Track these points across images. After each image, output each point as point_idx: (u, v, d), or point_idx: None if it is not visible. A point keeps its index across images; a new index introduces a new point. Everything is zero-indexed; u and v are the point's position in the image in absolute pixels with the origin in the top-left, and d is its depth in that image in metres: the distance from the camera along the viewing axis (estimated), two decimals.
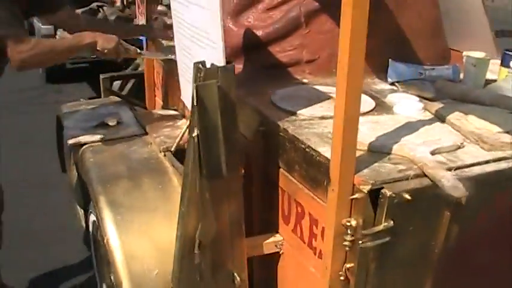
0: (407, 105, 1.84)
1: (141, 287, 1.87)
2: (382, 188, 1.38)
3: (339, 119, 1.38)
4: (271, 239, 1.82)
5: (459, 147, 1.58)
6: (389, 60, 2.11)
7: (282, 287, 1.86)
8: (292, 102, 1.86)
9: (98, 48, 2.14)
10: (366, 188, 1.39)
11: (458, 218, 1.44)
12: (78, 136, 2.31)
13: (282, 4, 2.14)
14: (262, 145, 1.82)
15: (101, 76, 2.94)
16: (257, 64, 2.16)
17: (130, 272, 1.88)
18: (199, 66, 1.54)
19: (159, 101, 2.94)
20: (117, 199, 2.00)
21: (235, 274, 1.72)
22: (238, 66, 2.21)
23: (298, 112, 1.80)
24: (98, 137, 2.29)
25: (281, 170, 1.74)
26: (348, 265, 1.47)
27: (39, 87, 5.96)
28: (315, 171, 1.56)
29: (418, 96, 1.95)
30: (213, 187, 1.59)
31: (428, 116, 1.82)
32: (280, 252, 1.82)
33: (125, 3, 5.31)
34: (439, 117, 1.79)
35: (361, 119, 1.73)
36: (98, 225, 2.04)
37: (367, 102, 1.89)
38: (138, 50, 2.30)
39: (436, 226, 1.45)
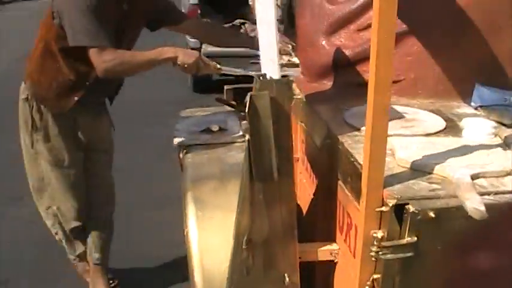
0: (476, 129, 1.83)
1: (210, 279, 2.06)
2: (407, 203, 1.43)
3: (368, 136, 1.46)
4: (327, 247, 1.91)
5: (508, 174, 1.56)
6: (476, 84, 2.09)
7: None
8: (361, 119, 1.93)
9: (178, 62, 2.37)
10: (392, 202, 1.45)
11: (483, 240, 1.44)
12: (185, 139, 2.58)
13: (370, 26, 2.22)
14: (326, 157, 1.93)
15: (225, 87, 3.21)
16: (345, 82, 2.26)
17: (202, 264, 2.08)
18: (257, 77, 1.71)
19: None
20: (203, 196, 2.22)
21: (286, 275, 1.84)
22: (329, 83, 2.34)
23: (362, 128, 1.87)
24: (200, 140, 2.54)
25: (339, 181, 1.83)
26: (375, 276, 1.54)
27: (186, 97, 6.57)
28: (359, 183, 1.64)
29: (497, 121, 1.92)
30: (264, 189, 1.74)
31: (496, 141, 1.79)
32: (335, 261, 1.90)
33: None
34: (507, 143, 1.76)
35: (422, 139, 1.79)
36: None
37: (437, 124, 1.91)
38: (218, 66, 2.50)
39: (460, 246, 1.45)
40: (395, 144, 1.73)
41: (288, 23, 2.76)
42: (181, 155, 2.56)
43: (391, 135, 1.80)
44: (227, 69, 2.54)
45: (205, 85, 6.53)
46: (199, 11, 6.34)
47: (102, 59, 2.38)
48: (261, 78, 1.72)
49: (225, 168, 2.38)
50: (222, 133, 2.62)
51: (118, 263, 3.46)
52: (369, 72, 1.44)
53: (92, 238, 3.09)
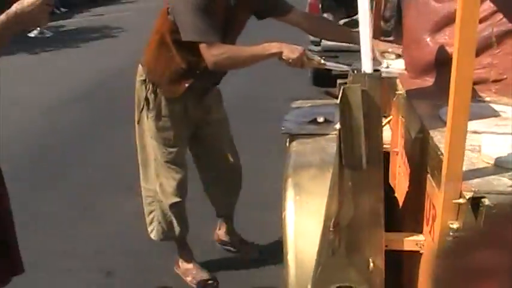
0: None
1: (302, 259, 2.22)
2: (484, 197, 1.50)
3: (448, 130, 1.54)
4: (413, 238, 1.98)
5: None
6: None
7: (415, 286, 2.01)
8: None
9: (283, 57, 2.52)
10: (468, 195, 1.52)
11: None
12: (291, 128, 2.75)
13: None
14: (418, 151, 2.01)
15: (338, 81, 3.33)
16: (446, 79, 2.30)
17: (296, 246, 2.24)
18: (351, 71, 1.83)
19: None
20: (302, 182, 2.37)
21: (371, 260, 1.95)
22: (431, 80, 2.39)
23: None
24: (305, 130, 2.70)
25: (428, 174, 1.91)
26: None
27: (305, 91, 6.73)
28: None
29: None
30: (353, 177, 1.86)
31: None
32: (420, 252, 1.98)
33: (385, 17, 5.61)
34: None
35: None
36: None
37: None
38: (322, 61, 2.61)
39: None
40: (483, 140, 1.78)
41: (397, 21, 2.83)
42: (287, 144, 2.73)
43: (482, 132, 1.85)
44: (331, 65, 2.65)
45: (325, 78, 6.65)
46: (320, 5, 6.47)
47: (211, 53, 2.62)
48: (355, 72, 1.84)
49: (325, 158, 2.51)
50: (327, 124, 2.75)
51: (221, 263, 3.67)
52: (452, 70, 1.52)
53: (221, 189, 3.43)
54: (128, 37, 12.62)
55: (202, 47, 2.66)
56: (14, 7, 2.02)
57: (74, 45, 11.58)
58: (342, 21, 6.14)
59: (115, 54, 10.64)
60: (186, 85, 2.95)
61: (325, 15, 6.44)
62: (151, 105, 3.02)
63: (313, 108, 2.98)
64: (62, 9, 16.30)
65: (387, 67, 2.61)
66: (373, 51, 2.66)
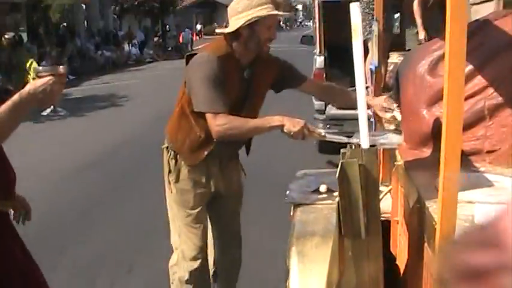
0: None
1: None
2: None
3: (440, 201, 1.64)
4: None
5: None
6: None
7: None
8: None
9: (284, 130, 2.65)
10: None
11: None
12: (295, 197, 2.85)
13: (468, 98, 2.37)
14: (416, 220, 2.10)
15: (342, 150, 3.45)
16: None
17: None
18: (349, 147, 1.95)
19: None
20: (305, 251, 2.46)
21: None
22: (428, 151, 2.50)
23: None
24: (308, 200, 2.79)
25: (425, 243, 1.99)
26: None
27: (311, 159, 6.81)
28: None
29: None
30: (353, 246, 1.95)
31: None
32: None
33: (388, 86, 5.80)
34: None
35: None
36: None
37: None
38: (322, 133, 2.74)
39: None
40: (476, 210, 1.86)
41: (396, 93, 2.97)
42: (291, 212, 2.82)
43: (476, 202, 1.94)
44: (331, 137, 2.77)
45: (331, 146, 6.77)
46: (324, 74, 6.68)
47: (216, 123, 2.76)
48: (353, 147, 1.96)
49: (328, 227, 2.60)
50: (330, 194, 2.85)
51: None
52: (441, 145, 1.63)
53: (220, 281, 3.41)
54: (134, 106, 12.81)
55: (208, 116, 2.79)
56: (27, 87, 2.10)
57: (79, 114, 11.43)
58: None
59: (120, 125, 10.72)
60: (205, 153, 3.05)
61: None
62: (172, 169, 3.14)
63: (317, 178, 3.09)
64: (70, 77, 16.61)
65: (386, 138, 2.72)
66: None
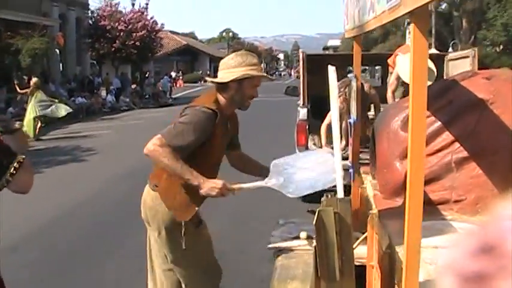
0: None
1: None
2: None
3: (405, 247, 1.90)
4: None
5: None
6: None
7: None
8: (423, 233, 2.35)
9: (201, 192, 2.88)
10: None
11: None
12: (277, 243, 3.09)
13: (437, 151, 2.67)
14: (387, 264, 2.35)
15: (322, 199, 3.72)
16: None
17: None
18: (325, 196, 2.21)
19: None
20: None
21: None
22: (401, 201, 2.77)
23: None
24: (289, 246, 3.04)
25: (396, 286, 2.23)
26: None
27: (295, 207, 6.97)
28: None
29: None
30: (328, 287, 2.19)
31: None
32: None
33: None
34: None
35: None
36: None
37: None
38: (243, 186, 2.97)
39: None
40: (440, 255, 2.12)
41: (371, 148, 3.26)
42: (273, 258, 3.06)
43: (440, 247, 2.21)
44: (248, 186, 3.01)
45: (313, 195, 7.04)
46: (307, 126, 7.01)
47: (154, 143, 2.89)
48: (329, 196, 2.22)
49: (307, 271, 2.84)
50: (310, 241, 3.09)
51: None
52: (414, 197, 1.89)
53: None
54: (100, 161, 11.82)
55: (156, 137, 2.92)
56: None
57: (35, 170, 9.56)
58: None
59: (80, 183, 9.59)
60: (196, 209, 3.16)
61: (311, 137, 6.99)
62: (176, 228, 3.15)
63: (297, 225, 3.34)
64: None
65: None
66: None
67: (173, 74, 44.26)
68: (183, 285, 3.21)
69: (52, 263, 5.54)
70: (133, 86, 29.16)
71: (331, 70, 2.21)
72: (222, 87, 3.07)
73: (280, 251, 3.07)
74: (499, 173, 2.56)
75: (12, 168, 2.20)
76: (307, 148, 6.88)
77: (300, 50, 7.44)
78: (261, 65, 3.13)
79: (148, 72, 34.36)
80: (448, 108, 2.77)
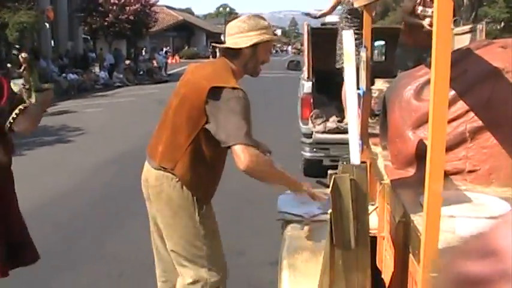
0: None
1: None
2: None
3: (425, 214, 1.91)
4: None
5: None
6: None
7: None
8: None
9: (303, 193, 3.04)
10: None
11: None
12: (285, 214, 3.11)
13: (452, 121, 2.67)
14: (402, 234, 2.36)
15: (329, 172, 3.74)
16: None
17: None
18: (341, 162, 2.22)
19: None
20: (296, 264, 2.71)
21: None
22: (413, 171, 2.79)
23: None
24: (298, 216, 3.06)
25: (410, 254, 2.25)
26: None
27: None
28: None
29: None
30: (343, 256, 2.21)
31: None
32: None
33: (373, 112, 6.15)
34: None
35: (484, 220, 2.19)
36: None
37: (503, 208, 2.29)
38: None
39: None
40: (457, 223, 2.14)
41: (382, 117, 3.27)
42: (282, 229, 3.08)
43: (458, 216, 2.22)
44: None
45: (315, 169, 7.10)
46: (311, 100, 7.03)
47: (248, 154, 2.73)
48: (344, 163, 2.23)
49: (317, 243, 2.86)
50: (319, 211, 3.11)
51: None
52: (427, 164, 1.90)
53: None
54: (87, 142, 11.22)
55: (238, 148, 2.74)
56: None
57: (17, 153, 8.58)
58: (331, 119, 6.73)
59: (65, 168, 9.03)
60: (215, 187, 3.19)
61: (316, 110, 7.00)
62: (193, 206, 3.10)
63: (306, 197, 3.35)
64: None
65: None
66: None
67: (164, 50, 43.81)
68: (189, 266, 3.12)
69: None
70: (127, 62, 29.02)
71: (348, 34, 2.21)
72: (234, 54, 2.97)
73: (288, 222, 3.08)
74: None
75: (14, 114, 2.96)
76: (311, 122, 6.90)
77: (305, 23, 7.41)
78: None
79: (144, 48, 34.18)
80: (462, 77, 2.76)
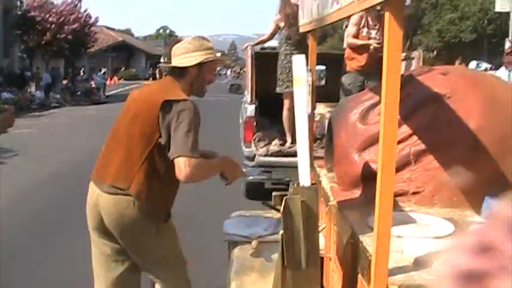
0: None
1: None
2: None
3: (376, 235, 1.95)
4: None
5: None
6: (486, 197, 2.55)
7: None
8: None
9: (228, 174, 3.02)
10: None
11: None
12: (233, 236, 3.11)
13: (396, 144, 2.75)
14: (350, 254, 2.40)
15: (273, 194, 3.77)
16: (371, 191, 2.76)
17: None
18: (291, 184, 2.25)
19: None
20: (244, 285, 2.72)
21: None
22: (358, 192, 2.84)
23: None
24: (245, 237, 3.06)
25: (359, 274, 2.29)
26: None
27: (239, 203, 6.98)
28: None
29: None
30: (294, 276, 2.23)
31: None
32: None
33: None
34: None
35: (430, 240, 2.26)
36: None
37: (446, 229, 2.37)
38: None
39: None
40: (405, 243, 2.20)
41: (328, 139, 3.34)
42: (229, 250, 3.08)
43: (405, 237, 2.28)
44: None
45: (257, 192, 7.13)
46: (255, 123, 7.08)
47: (189, 166, 2.79)
48: (295, 185, 2.26)
49: (264, 263, 2.87)
50: (266, 231, 3.13)
51: None
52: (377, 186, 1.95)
53: None
54: (17, 165, 10.51)
55: (181, 160, 2.80)
56: None
57: None
58: (274, 142, 6.80)
59: None
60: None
61: (259, 133, 7.04)
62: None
63: (252, 218, 3.37)
64: None
65: None
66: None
67: (102, 71, 43.04)
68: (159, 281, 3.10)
69: None
70: (64, 82, 28.48)
71: (300, 59, 2.25)
72: (180, 73, 3.01)
73: (235, 243, 3.09)
74: (456, 167, 2.66)
75: None
76: (253, 145, 6.94)
77: (249, 47, 7.47)
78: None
79: (83, 68, 33.66)
80: (406, 101, 2.84)
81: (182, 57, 3.00)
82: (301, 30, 4.01)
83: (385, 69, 1.83)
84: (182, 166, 2.79)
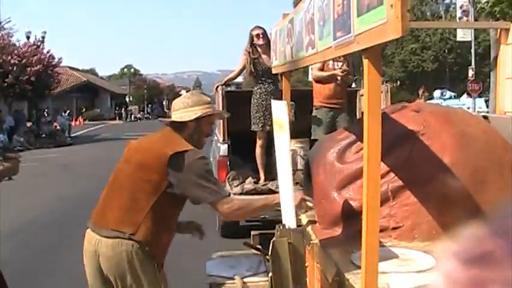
0: None
1: None
2: None
3: (363, 272, 2.02)
4: None
5: None
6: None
7: None
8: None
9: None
10: None
11: None
12: (215, 278, 3.15)
13: None
14: None
15: (252, 233, 3.82)
16: (353, 229, 2.84)
17: None
18: (278, 227, 2.31)
19: None
20: None
21: None
22: (340, 230, 2.92)
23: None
24: (226, 280, 3.10)
25: None
26: None
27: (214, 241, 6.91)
28: None
29: None
30: None
31: None
32: None
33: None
34: None
35: (414, 274, 2.33)
36: None
37: (428, 263, 2.45)
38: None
39: None
40: (390, 279, 2.27)
41: (306, 177, 3.42)
42: None
43: (389, 272, 2.36)
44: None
45: (233, 230, 7.14)
46: (228, 162, 7.12)
47: (225, 207, 2.99)
48: (281, 227, 2.33)
49: None
50: (249, 273, 3.17)
51: None
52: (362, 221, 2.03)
53: None
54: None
55: (216, 203, 2.99)
56: None
57: None
58: (248, 180, 6.85)
59: None
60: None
61: (232, 172, 7.08)
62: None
63: (233, 259, 3.41)
64: None
65: None
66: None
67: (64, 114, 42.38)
68: None
69: None
70: (28, 125, 28.15)
71: (282, 105, 2.34)
72: (179, 127, 3.13)
73: (219, 285, 3.12)
74: (433, 201, 2.77)
75: None
76: (228, 184, 6.97)
77: (219, 86, 7.56)
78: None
79: (46, 109, 33.34)
80: (382, 140, 2.95)
81: (181, 111, 3.14)
82: (274, 71, 4.12)
83: (366, 114, 1.92)
84: (219, 208, 3.01)
